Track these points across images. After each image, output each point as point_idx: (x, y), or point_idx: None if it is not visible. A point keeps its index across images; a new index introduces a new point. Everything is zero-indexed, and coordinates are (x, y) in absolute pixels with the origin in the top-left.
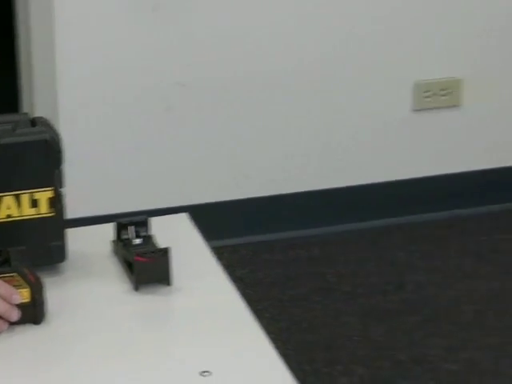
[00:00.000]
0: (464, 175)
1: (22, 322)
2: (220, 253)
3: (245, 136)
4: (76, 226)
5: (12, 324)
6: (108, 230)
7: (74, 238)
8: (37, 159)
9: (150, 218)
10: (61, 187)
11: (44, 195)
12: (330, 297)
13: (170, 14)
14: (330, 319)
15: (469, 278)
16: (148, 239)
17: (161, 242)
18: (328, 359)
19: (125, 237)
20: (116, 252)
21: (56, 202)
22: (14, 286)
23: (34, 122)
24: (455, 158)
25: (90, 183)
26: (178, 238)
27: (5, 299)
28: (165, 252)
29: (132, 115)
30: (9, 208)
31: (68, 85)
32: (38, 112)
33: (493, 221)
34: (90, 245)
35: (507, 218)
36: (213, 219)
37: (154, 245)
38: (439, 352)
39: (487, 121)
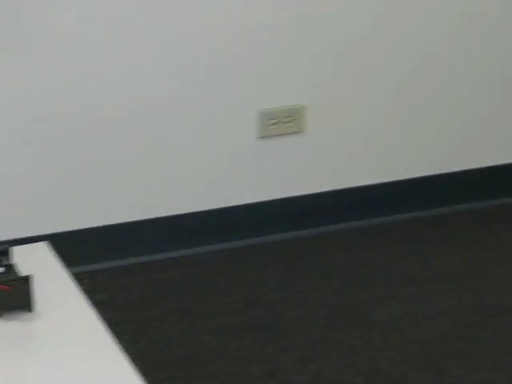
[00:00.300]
0: (308, 197)
1: None
2: (80, 279)
3: (100, 167)
4: None
5: None
6: None
7: None
8: None
9: (11, 248)
10: None
11: None
12: (186, 316)
13: (25, 50)
14: (187, 338)
15: (316, 293)
16: (10, 268)
17: (22, 270)
18: (186, 376)
19: None
20: None
21: None
22: None
23: None
24: (300, 181)
25: None
26: (39, 265)
27: None
28: (26, 280)
29: None
30: None
31: None
32: None
33: (337, 240)
34: None
35: (349, 237)
36: (72, 247)
37: (15, 273)
38: (290, 365)
39: (329, 145)
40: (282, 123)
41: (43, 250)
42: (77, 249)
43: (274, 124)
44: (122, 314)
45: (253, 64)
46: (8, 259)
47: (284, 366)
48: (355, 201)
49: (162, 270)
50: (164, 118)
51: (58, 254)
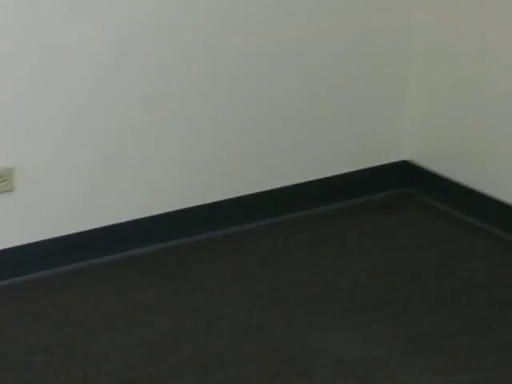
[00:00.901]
0: (22, 247)
1: None
2: None
3: None
4: None
5: None
6: None
7: None
8: None
9: None
10: None
11: None
12: None
13: None
14: None
15: (34, 333)
16: None
17: None
18: None
19: None
20: None
21: None
22: None
23: None
24: (12, 233)
25: None
26: None
27: None
28: None
29: None
30: None
31: None
32: None
33: (51, 282)
34: None
35: (66, 279)
36: None
37: None
38: None
39: (37, 201)
40: None
41: None
42: None
43: None
44: None
45: None
46: None
47: None
48: (70, 246)
49: None
50: None
51: None
